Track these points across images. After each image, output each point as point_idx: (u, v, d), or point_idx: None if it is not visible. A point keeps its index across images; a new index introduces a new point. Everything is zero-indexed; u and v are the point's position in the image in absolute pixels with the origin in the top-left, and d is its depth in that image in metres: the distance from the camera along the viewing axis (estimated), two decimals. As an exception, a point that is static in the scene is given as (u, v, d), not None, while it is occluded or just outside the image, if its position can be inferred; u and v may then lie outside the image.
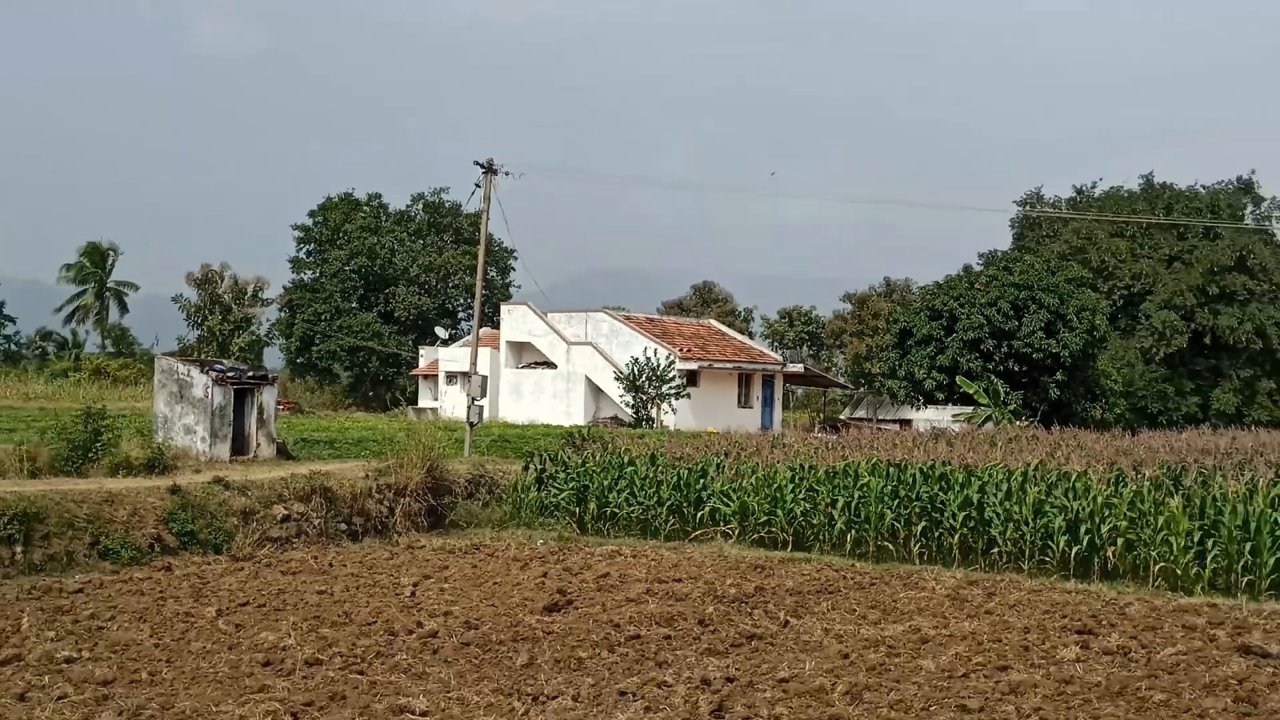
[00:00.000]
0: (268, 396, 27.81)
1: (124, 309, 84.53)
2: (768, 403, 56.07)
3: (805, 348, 78.20)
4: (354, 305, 69.32)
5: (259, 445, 27.10)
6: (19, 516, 17.95)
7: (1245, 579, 18.42)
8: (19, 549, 17.68)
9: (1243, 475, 20.96)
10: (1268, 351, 58.87)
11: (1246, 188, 65.73)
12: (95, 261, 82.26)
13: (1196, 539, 18.95)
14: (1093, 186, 68.08)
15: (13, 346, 78.81)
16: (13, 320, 79.04)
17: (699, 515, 23.69)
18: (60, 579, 16.98)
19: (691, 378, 50.25)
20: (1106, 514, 19.89)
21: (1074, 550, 19.79)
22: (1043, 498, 20.55)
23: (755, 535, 22.83)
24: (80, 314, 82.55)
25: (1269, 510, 18.79)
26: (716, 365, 52.56)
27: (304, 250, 72.61)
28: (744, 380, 54.93)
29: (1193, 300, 57.73)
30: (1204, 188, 65.23)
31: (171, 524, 19.61)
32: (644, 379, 46.76)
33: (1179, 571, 18.86)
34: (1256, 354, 58.88)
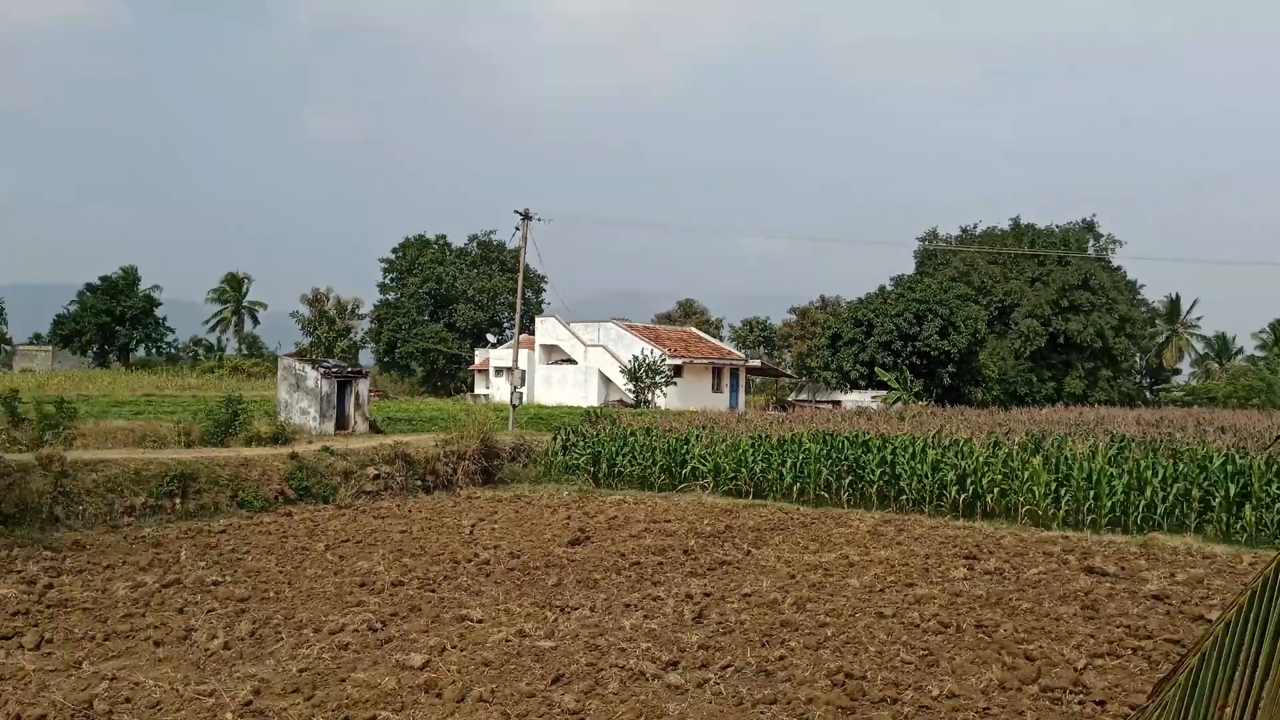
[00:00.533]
0: (362, 386, 27.82)
1: (255, 322, 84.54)
2: (734, 389, 56.04)
3: (761, 348, 77.94)
4: (425, 318, 69.22)
5: (356, 422, 27.11)
6: (178, 476, 18.00)
7: (1089, 517, 18.51)
8: (178, 500, 17.74)
9: (1087, 441, 21.01)
10: (1105, 349, 58.92)
11: (1089, 227, 65.69)
12: (234, 287, 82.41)
13: (1053, 488, 19.06)
14: (974, 226, 68.01)
15: (172, 350, 78.87)
16: (172, 330, 79.08)
17: (683, 472, 23.76)
18: (208, 523, 17.03)
19: (677, 370, 50.23)
20: (986, 470, 20.00)
21: (962, 497, 19.88)
22: (939, 458, 20.61)
23: (725, 487, 22.88)
24: (222, 326, 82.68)
25: (1106, 466, 18.89)
26: (696, 361, 52.55)
27: (388, 277, 72.76)
28: (716, 372, 54.93)
29: (1049, 311, 57.75)
30: (1058, 227, 65.15)
31: (291, 481, 19.64)
32: (642, 371, 46.75)
33: (1040, 512, 18.92)
34: (1097, 350, 58.94)
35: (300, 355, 47.14)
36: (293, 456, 20.40)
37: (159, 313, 77.30)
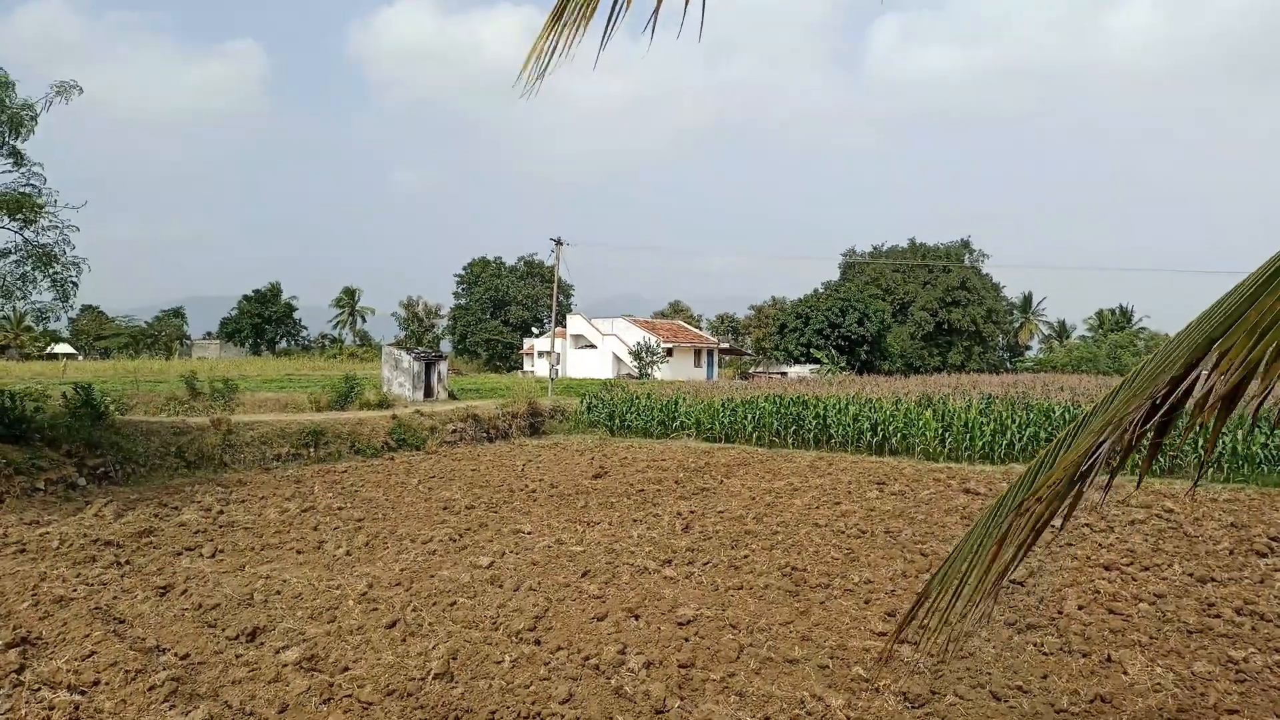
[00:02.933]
0: (443, 366, 27.74)
1: (364, 321, 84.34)
2: (710, 365, 55.78)
3: (730, 335, 77.65)
4: (487, 317, 68.84)
5: (438, 392, 27.06)
6: (312, 432, 17.99)
7: (966, 453, 18.47)
8: (312, 449, 17.74)
9: (964, 399, 20.95)
10: (977, 332, 58.66)
11: (966, 243, 65.11)
12: (349, 296, 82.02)
13: (940, 432, 19.02)
14: (883, 244, 67.39)
15: (305, 342, 78.94)
16: (305, 328, 79.11)
17: (674, 424, 23.70)
18: (334, 465, 17.03)
19: (669, 352, 50.03)
20: (891, 419, 19.95)
21: (874, 439, 19.84)
22: (858, 412, 20.57)
23: (704, 434, 22.85)
24: (341, 324, 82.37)
25: (978, 416, 18.83)
26: (682, 345, 52.34)
27: (460, 287, 72.50)
28: (697, 353, 54.69)
29: (937, 305, 57.42)
30: (942, 244, 64.66)
31: (393, 435, 19.62)
32: (643, 353, 46.61)
33: (930, 449, 18.90)
34: (971, 333, 58.66)
35: (398, 344, 46.98)
36: (394, 417, 20.39)
37: (296, 315, 77.41)
